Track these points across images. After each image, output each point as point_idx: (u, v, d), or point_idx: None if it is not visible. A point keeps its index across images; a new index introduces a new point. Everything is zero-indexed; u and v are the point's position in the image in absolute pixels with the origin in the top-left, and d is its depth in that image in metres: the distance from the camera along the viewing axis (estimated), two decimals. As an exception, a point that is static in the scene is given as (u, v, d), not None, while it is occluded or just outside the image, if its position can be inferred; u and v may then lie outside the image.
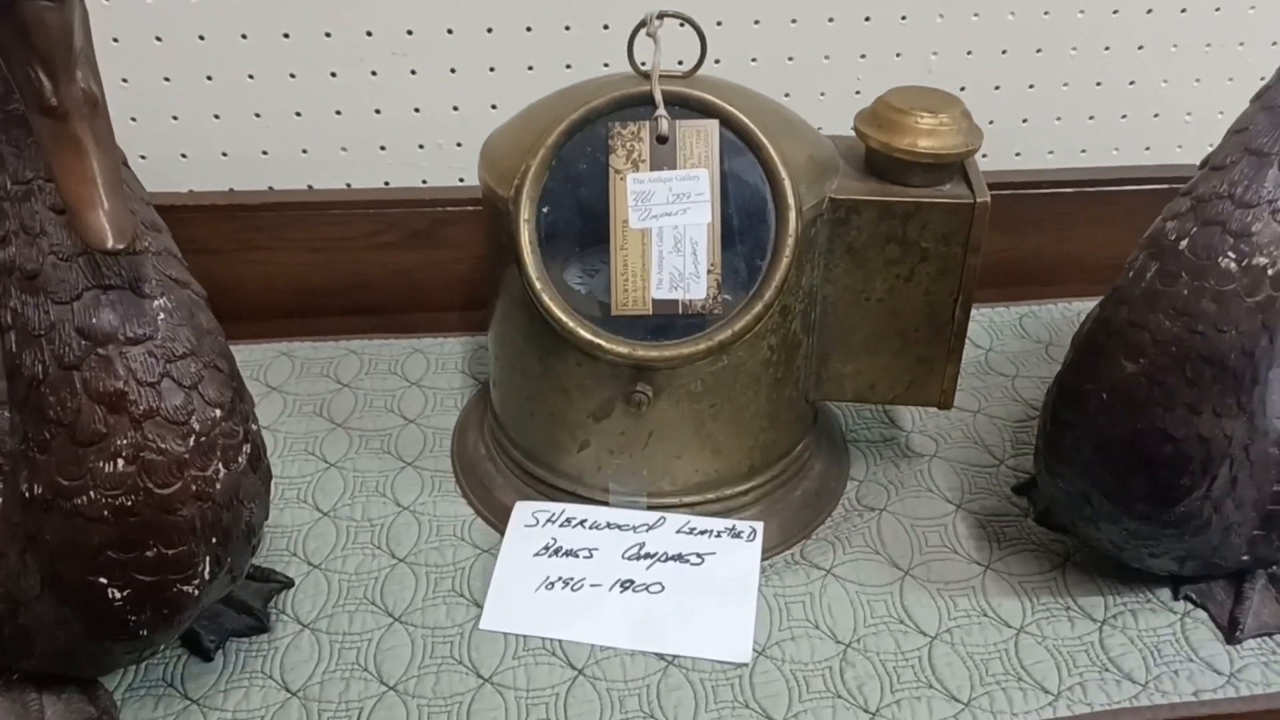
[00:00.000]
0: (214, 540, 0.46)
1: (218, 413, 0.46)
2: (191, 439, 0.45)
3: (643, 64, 0.61)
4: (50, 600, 0.46)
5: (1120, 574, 0.62)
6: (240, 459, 0.47)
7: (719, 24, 0.83)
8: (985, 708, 0.56)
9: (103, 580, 0.45)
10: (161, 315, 0.45)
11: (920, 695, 0.56)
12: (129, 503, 0.44)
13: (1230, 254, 0.49)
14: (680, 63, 0.61)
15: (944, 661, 0.58)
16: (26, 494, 0.44)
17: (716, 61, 0.83)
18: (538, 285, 0.58)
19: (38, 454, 0.44)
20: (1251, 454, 0.53)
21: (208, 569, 0.47)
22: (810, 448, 0.69)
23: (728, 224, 0.58)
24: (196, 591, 0.47)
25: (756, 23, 0.84)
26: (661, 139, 0.58)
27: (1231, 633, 0.59)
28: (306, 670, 0.57)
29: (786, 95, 0.87)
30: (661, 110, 0.58)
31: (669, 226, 0.58)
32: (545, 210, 0.59)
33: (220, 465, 0.46)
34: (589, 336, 0.58)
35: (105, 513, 0.44)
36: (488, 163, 0.62)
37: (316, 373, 0.79)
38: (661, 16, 0.60)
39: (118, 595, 0.45)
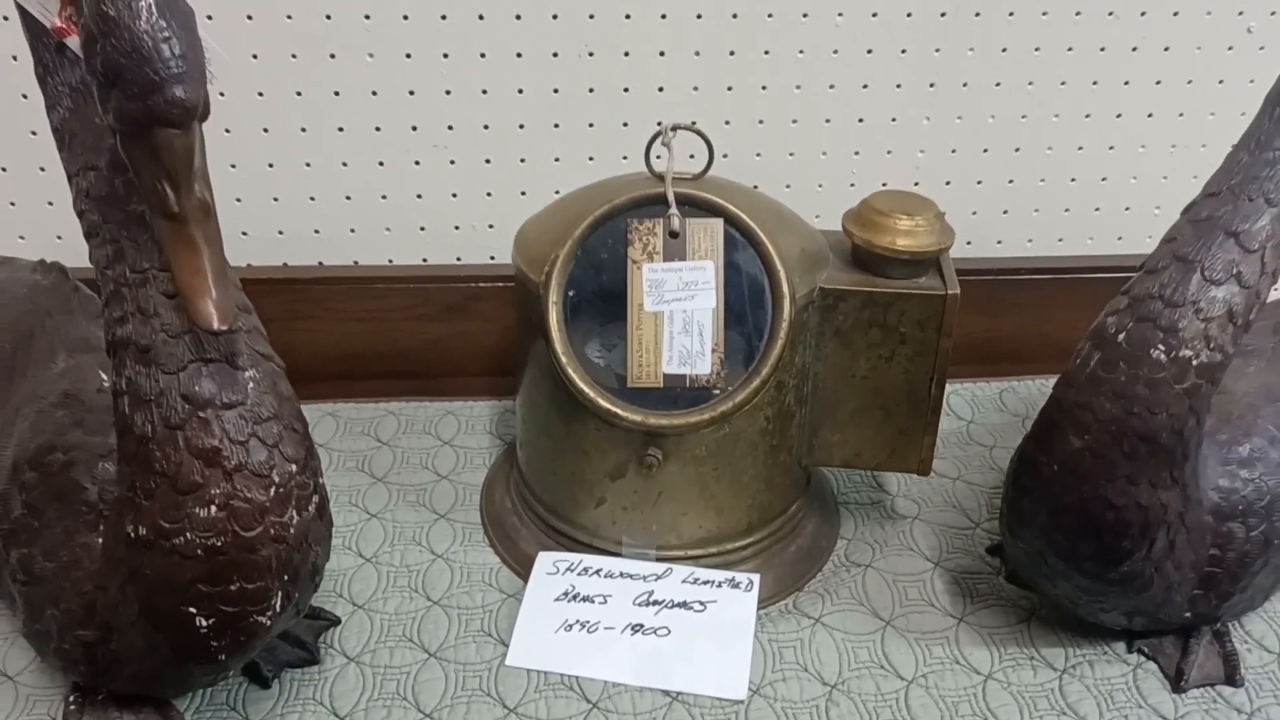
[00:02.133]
0: (286, 577, 0.54)
1: (294, 468, 0.54)
2: (272, 490, 0.53)
3: (657, 157, 0.69)
4: (143, 627, 0.54)
5: (1080, 628, 0.69)
6: (310, 508, 0.55)
7: (727, 123, 0.93)
8: (954, 744, 0.63)
9: (192, 610, 0.52)
10: (251, 384, 0.53)
11: (897, 731, 0.63)
12: (219, 543, 0.51)
13: (1160, 347, 0.57)
14: (691, 156, 0.69)
15: (919, 703, 0.65)
16: (131, 534, 0.52)
17: (724, 156, 0.92)
18: (563, 360, 0.66)
19: (143, 500, 0.52)
20: (1187, 521, 0.60)
21: (279, 602, 0.54)
22: (804, 508, 0.76)
23: (730, 309, 0.66)
24: (269, 621, 0.54)
25: (761, 122, 0.93)
26: (673, 234, 0.67)
27: (1177, 683, 0.66)
28: (353, 699, 0.64)
29: (788, 187, 0.96)
30: (674, 209, 0.67)
31: (679, 310, 0.66)
32: (571, 294, 0.68)
33: (294, 512, 0.54)
34: (607, 405, 0.66)
35: (199, 551, 0.51)
36: (520, 249, 0.71)
37: (359, 432, 0.88)
38: (675, 129, 0.69)
39: (204, 624, 0.53)
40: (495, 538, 0.77)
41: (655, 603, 0.69)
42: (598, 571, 0.71)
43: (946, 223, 0.69)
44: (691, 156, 0.69)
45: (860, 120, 0.94)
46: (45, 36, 0.53)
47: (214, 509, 0.52)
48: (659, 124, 0.69)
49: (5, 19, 0.84)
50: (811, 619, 0.70)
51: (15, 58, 0.84)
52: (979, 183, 0.99)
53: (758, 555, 0.73)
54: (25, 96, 0.85)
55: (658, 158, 0.69)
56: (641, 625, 0.68)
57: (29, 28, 0.54)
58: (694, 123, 0.90)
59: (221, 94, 0.87)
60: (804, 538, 0.76)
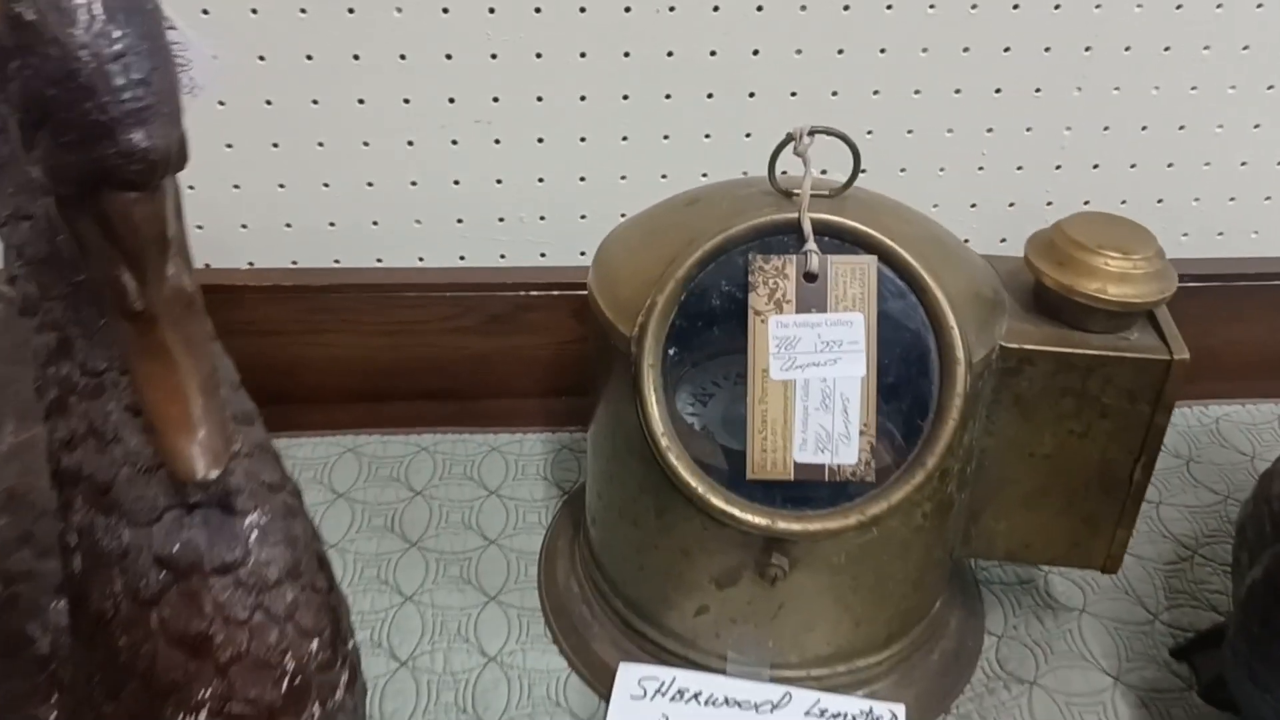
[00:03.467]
0: (307, 789, 0.39)
1: (314, 644, 0.39)
2: (285, 682, 0.38)
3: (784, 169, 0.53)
4: None
5: (1307, 773, 0.55)
6: (338, 693, 0.40)
7: (834, 94, 0.75)
8: None
9: None
10: (254, 535, 0.37)
11: None
12: (212, 764, 0.37)
13: None
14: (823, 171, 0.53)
15: None
16: (90, 746, 0.37)
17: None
18: (663, 443, 0.51)
19: (104, 701, 0.37)
20: None
21: (297, 821, 0.40)
22: (944, 601, 0.61)
23: (883, 376, 0.50)
24: (284, 847, 0.40)
25: (876, 93, 0.76)
26: (810, 276, 0.51)
27: None
28: None
29: (902, 171, 0.79)
30: (811, 244, 0.50)
31: (816, 379, 0.50)
32: (672, 352, 0.52)
33: (316, 706, 0.39)
34: (721, 505, 0.50)
35: (184, 775, 0.37)
36: (603, 287, 0.55)
37: (386, 475, 0.72)
38: (813, 133, 0.52)
39: None
40: (560, 633, 0.62)
41: (774, 744, 0.54)
42: (697, 696, 0.56)
43: (1168, 262, 0.53)
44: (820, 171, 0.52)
45: (998, 91, 0.77)
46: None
47: (204, 717, 0.36)
48: (791, 132, 0.52)
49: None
50: (971, 765, 0.56)
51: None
52: (1133, 166, 0.81)
53: (895, 669, 0.58)
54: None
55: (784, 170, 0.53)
56: (759, 777, 0.53)
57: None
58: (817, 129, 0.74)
59: (215, 57, 0.70)
60: (948, 639, 0.61)
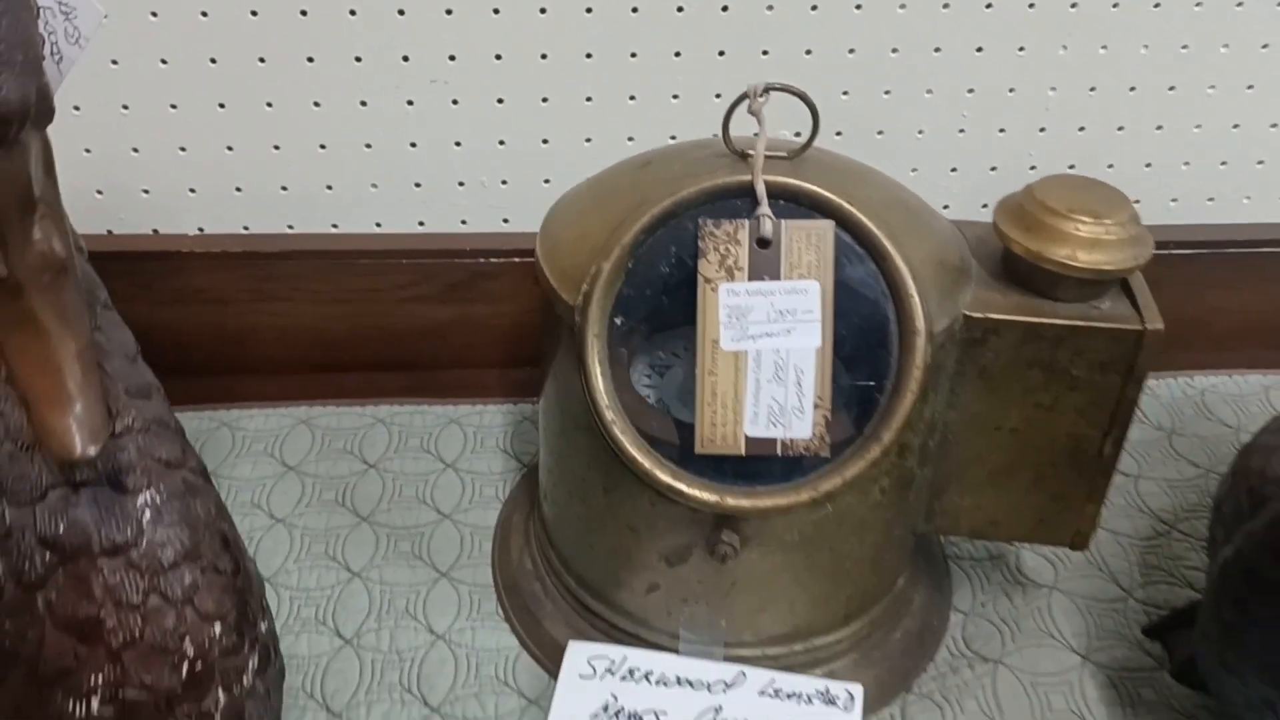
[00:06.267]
0: (213, 781, 0.37)
1: (217, 628, 0.37)
2: (185, 667, 0.36)
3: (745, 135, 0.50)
4: None
5: (1280, 758, 0.53)
6: (245, 677, 0.38)
7: (808, 53, 0.72)
8: None
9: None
10: (147, 514, 0.35)
11: None
12: (105, 756, 0.35)
13: None
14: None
15: None
16: (-24, 736, 0.35)
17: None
18: (608, 416, 0.48)
19: (-10, 689, 0.35)
20: None
21: (205, 815, 0.38)
22: (909, 578, 0.59)
23: (839, 347, 0.48)
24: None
25: (851, 51, 0.73)
26: (763, 242, 0.48)
27: None
28: None
29: (880, 134, 0.76)
30: (764, 208, 0.48)
31: (769, 349, 0.48)
32: (619, 321, 0.49)
33: (220, 691, 0.37)
34: (668, 480, 0.48)
35: (74, 768, 0.35)
36: (548, 254, 0.52)
37: (339, 448, 0.70)
38: (768, 91, 0.49)
39: None
40: (512, 610, 0.60)
41: (725, 726, 0.52)
42: (648, 675, 0.54)
43: (1144, 227, 0.50)
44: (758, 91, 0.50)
45: (979, 50, 0.74)
46: None
47: (95, 703, 0.34)
48: (748, 89, 0.49)
49: None
50: (931, 748, 0.54)
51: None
52: (1120, 129, 0.78)
53: (854, 649, 0.56)
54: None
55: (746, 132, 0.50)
56: (709, 762, 0.51)
57: None
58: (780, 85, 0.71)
59: (155, 14, 0.67)
60: (911, 618, 0.59)
